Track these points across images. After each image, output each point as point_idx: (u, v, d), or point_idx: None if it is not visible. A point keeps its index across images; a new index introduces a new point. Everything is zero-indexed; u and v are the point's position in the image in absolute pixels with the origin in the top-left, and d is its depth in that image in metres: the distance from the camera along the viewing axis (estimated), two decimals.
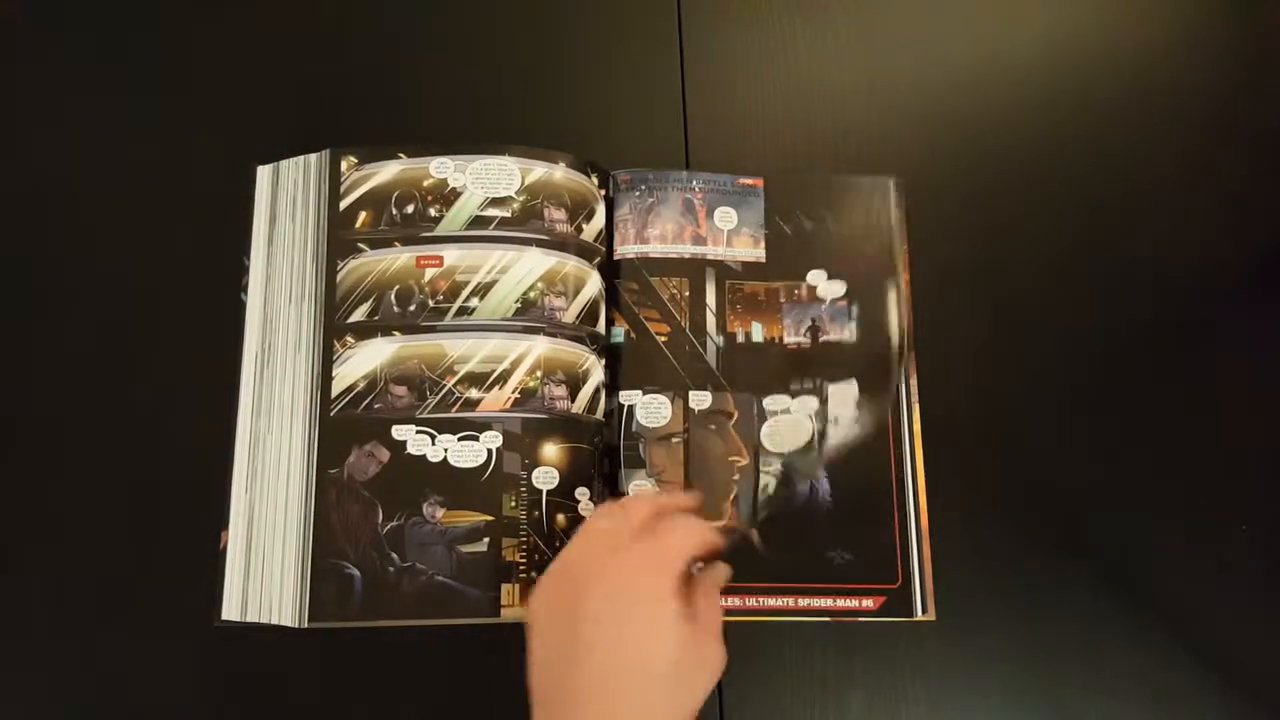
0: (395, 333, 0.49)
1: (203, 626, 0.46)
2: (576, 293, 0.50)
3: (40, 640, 0.47)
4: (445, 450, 0.48)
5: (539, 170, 0.51)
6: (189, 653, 0.47)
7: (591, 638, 0.35)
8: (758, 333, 0.51)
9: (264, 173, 0.52)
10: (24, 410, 0.50)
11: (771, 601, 0.48)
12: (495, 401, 0.48)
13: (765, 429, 0.50)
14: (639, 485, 0.49)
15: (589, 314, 0.50)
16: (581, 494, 0.48)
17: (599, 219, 0.52)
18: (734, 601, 0.48)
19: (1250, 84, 0.56)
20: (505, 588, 0.47)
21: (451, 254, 0.50)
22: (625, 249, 0.52)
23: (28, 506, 0.48)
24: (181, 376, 0.50)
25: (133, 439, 0.49)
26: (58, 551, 0.48)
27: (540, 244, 0.50)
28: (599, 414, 0.50)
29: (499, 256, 0.50)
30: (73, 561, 0.48)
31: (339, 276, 0.50)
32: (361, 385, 0.49)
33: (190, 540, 0.48)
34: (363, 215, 0.51)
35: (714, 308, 0.52)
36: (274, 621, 0.46)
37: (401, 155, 0.51)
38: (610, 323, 0.51)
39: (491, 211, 0.50)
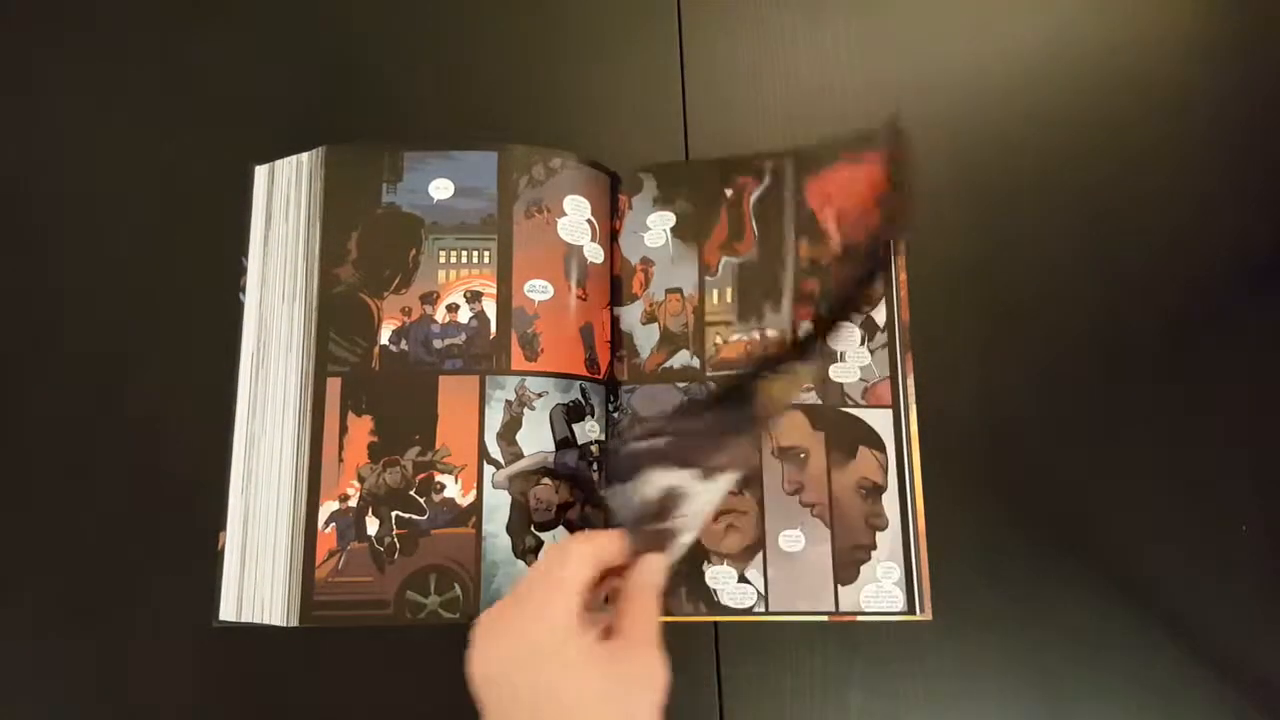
0: None
1: (201, 627, 0.46)
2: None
3: (40, 640, 0.47)
4: None
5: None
6: (187, 653, 0.47)
7: (511, 708, 0.33)
8: None
9: (261, 172, 0.52)
10: (24, 409, 0.50)
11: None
12: None
13: None
14: None
15: None
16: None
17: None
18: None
19: (1251, 83, 0.56)
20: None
21: None
22: None
23: (28, 506, 0.48)
24: (182, 377, 0.50)
25: (133, 439, 0.49)
26: (57, 551, 0.48)
27: None
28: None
29: None
30: (72, 562, 0.48)
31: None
32: None
33: (189, 541, 0.47)
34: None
35: None
36: (268, 622, 0.46)
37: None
38: None
39: None
